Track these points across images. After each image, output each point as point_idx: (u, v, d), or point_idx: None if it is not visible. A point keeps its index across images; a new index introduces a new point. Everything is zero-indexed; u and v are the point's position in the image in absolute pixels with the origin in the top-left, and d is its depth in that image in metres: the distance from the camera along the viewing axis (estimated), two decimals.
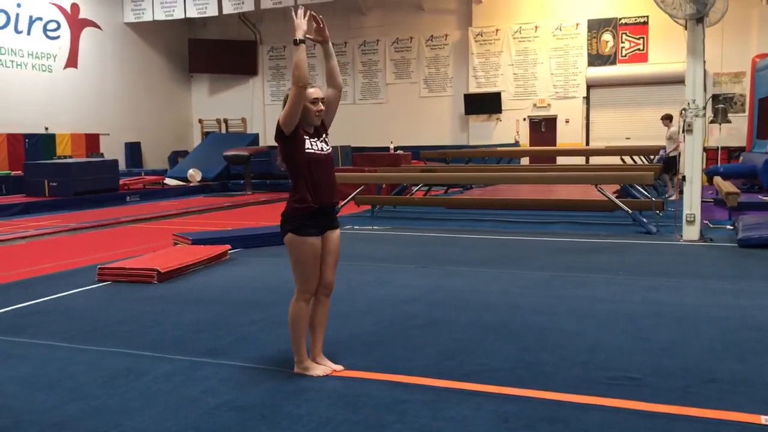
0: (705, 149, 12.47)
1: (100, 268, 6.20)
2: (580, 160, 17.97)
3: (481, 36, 20.68)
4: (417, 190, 12.72)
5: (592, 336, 4.16)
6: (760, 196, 12.33)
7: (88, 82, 20.51)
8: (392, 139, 20.31)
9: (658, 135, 17.36)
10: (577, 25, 19.63)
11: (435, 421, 2.93)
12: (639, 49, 19.13)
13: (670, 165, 12.64)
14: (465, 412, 3.02)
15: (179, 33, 23.74)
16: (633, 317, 4.57)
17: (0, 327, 4.64)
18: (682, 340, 4.04)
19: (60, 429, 2.95)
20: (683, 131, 7.86)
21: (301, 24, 3.34)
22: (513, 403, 3.12)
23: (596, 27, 19.48)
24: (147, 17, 21.41)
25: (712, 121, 15.45)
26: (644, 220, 8.89)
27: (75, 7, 20.10)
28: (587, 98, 19.82)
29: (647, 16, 18.73)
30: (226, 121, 24.22)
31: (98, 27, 20.86)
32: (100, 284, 5.98)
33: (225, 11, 20.47)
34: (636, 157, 15.42)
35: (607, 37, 19.41)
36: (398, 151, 17.77)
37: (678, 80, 13.83)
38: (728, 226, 8.81)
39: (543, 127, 20.29)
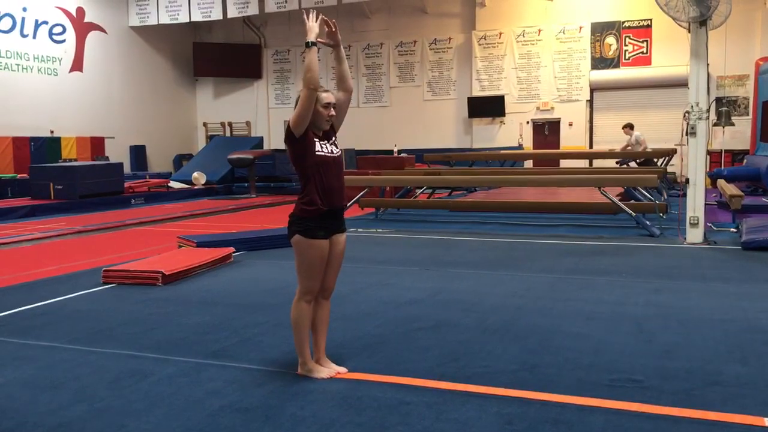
0: (709, 152, 12.49)
1: (105, 271, 6.23)
2: (583, 163, 17.96)
3: (485, 39, 20.69)
4: (421, 193, 12.73)
5: (596, 338, 4.17)
6: (763, 199, 12.31)
7: (94, 85, 20.58)
8: (396, 142, 20.33)
9: (663, 138, 17.42)
10: (581, 28, 19.64)
11: (438, 423, 2.94)
12: (642, 53, 19.12)
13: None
14: (468, 414, 3.03)
15: (184, 37, 23.81)
16: (637, 319, 4.57)
17: (6, 329, 4.67)
18: (685, 343, 4.04)
19: (65, 430, 2.97)
20: (687, 134, 7.85)
21: (313, 27, 3.34)
22: (516, 405, 3.13)
23: (600, 30, 19.48)
24: (152, 21, 21.48)
25: (715, 124, 15.44)
26: (647, 222, 8.89)
27: (80, 11, 20.17)
28: (591, 101, 19.81)
29: (650, 20, 18.72)
30: (230, 124, 24.27)
31: (103, 31, 20.93)
32: (105, 286, 6.01)
33: (229, 15, 20.52)
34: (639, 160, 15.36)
35: (610, 40, 19.41)
36: (402, 154, 17.78)
37: (681, 83, 13.82)
38: (732, 229, 8.81)
39: (546, 130, 20.28)
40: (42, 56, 19.01)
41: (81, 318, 4.94)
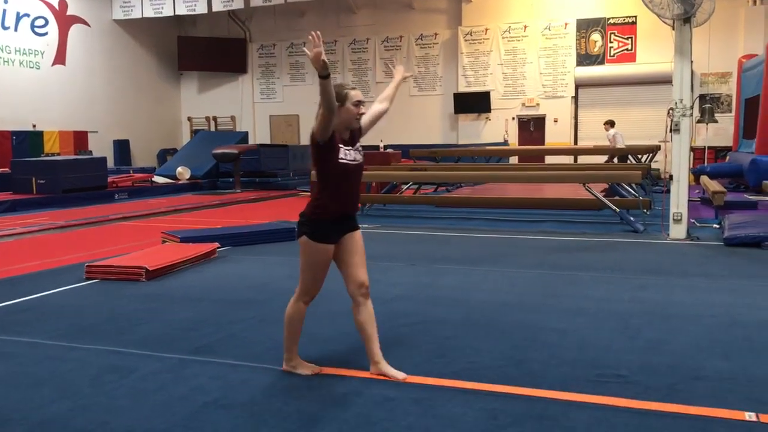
0: (692, 149, 12.58)
1: (88, 266, 6.17)
2: (568, 160, 18.04)
3: (471, 35, 20.71)
4: (406, 189, 12.72)
5: (581, 334, 4.19)
6: (746, 195, 12.43)
7: (77, 79, 20.38)
8: (382, 138, 20.30)
9: (647, 135, 17.53)
10: (566, 24, 19.71)
11: (424, 419, 2.94)
12: (627, 49, 19.22)
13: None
14: (454, 410, 3.03)
15: (169, 30, 23.64)
16: (621, 315, 4.60)
17: None
18: (669, 338, 4.07)
19: (48, 427, 2.94)
20: (671, 131, 7.90)
21: (323, 61, 3.06)
22: (502, 401, 3.13)
23: (585, 27, 19.56)
24: (136, 14, 21.29)
25: (699, 121, 15.57)
26: (631, 218, 8.94)
27: (63, 4, 19.96)
28: (576, 98, 19.90)
29: (635, 17, 18.82)
30: (215, 118, 24.14)
31: (86, 24, 20.73)
32: (88, 282, 5.95)
33: (214, 9, 20.39)
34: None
35: (595, 36, 19.49)
36: (388, 150, 17.76)
37: (666, 80, 13.89)
38: (715, 225, 8.88)
39: (532, 127, 20.35)
40: (24, 49, 18.80)
41: (63, 314, 4.89)
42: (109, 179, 15.67)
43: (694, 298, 5.11)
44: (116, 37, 21.80)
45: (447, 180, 13.43)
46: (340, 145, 3.36)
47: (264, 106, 23.86)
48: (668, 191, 8.10)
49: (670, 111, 7.89)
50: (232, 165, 16.98)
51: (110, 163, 19.31)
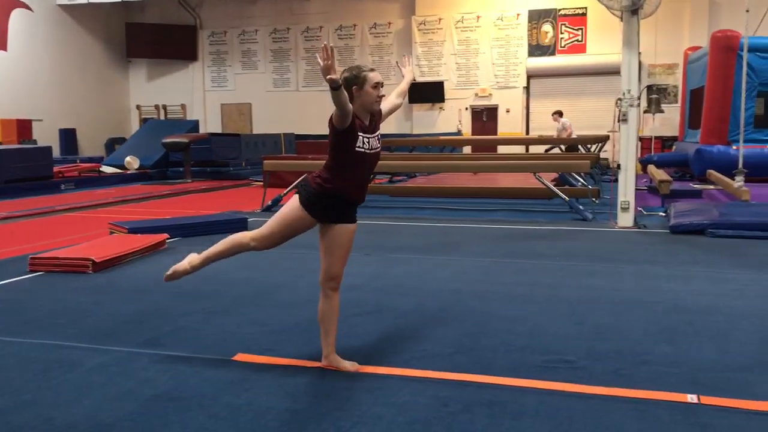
0: (639, 138, 12.84)
1: (32, 258, 6.00)
2: (520, 149, 18.26)
3: (425, 25, 20.74)
4: None
5: (531, 321, 4.25)
6: (691, 184, 12.79)
7: (19, 65, 19.72)
8: None
9: (596, 125, 17.84)
10: (518, 15, 19.90)
11: (376, 408, 2.95)
12: (578, 40, 19.52)
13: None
14: (405, 398, 3.04)
15: (116, 17, 23.05)
16: (570, 302, 4.68)
17: None
18: (616, 324, 4.16)
19: None
20: (619, 121, 8.06)
21: (334, 72, 3.04)
22: (452, 388, 3.16)
23: (536, 18, 19.78)
24: None
25: (646, 111, 15.91)
26: (581, 207, 9.10)
27: None
28: (527, 88, 20.14)
29: (586, 8, 19.12)
30: (165, 107, 23.67)
31: (29, 8, 20.05)
32: (32, 274, 5.78)
33: None
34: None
35: (546, 27, 19.73)
36: None
37: (615, 71, 14.15)
38: (661, 213, 9.10)
39: (484, 117, 20.53)
40: None
41: (6, 307, 4.75)
42: (55, 169, 15.23)
43: (640, 284, 5.23)
44: (61, 22, 21.16)
45: (401, 170, 13.46)
46: (360, 134, 3.30)
47: (215, 94, 23.50)
48: (616, 180, 8.26)
49: (618, 101, 8.04)
50: (182, 154, 16.67)
51: (56, 153, 18.78)
